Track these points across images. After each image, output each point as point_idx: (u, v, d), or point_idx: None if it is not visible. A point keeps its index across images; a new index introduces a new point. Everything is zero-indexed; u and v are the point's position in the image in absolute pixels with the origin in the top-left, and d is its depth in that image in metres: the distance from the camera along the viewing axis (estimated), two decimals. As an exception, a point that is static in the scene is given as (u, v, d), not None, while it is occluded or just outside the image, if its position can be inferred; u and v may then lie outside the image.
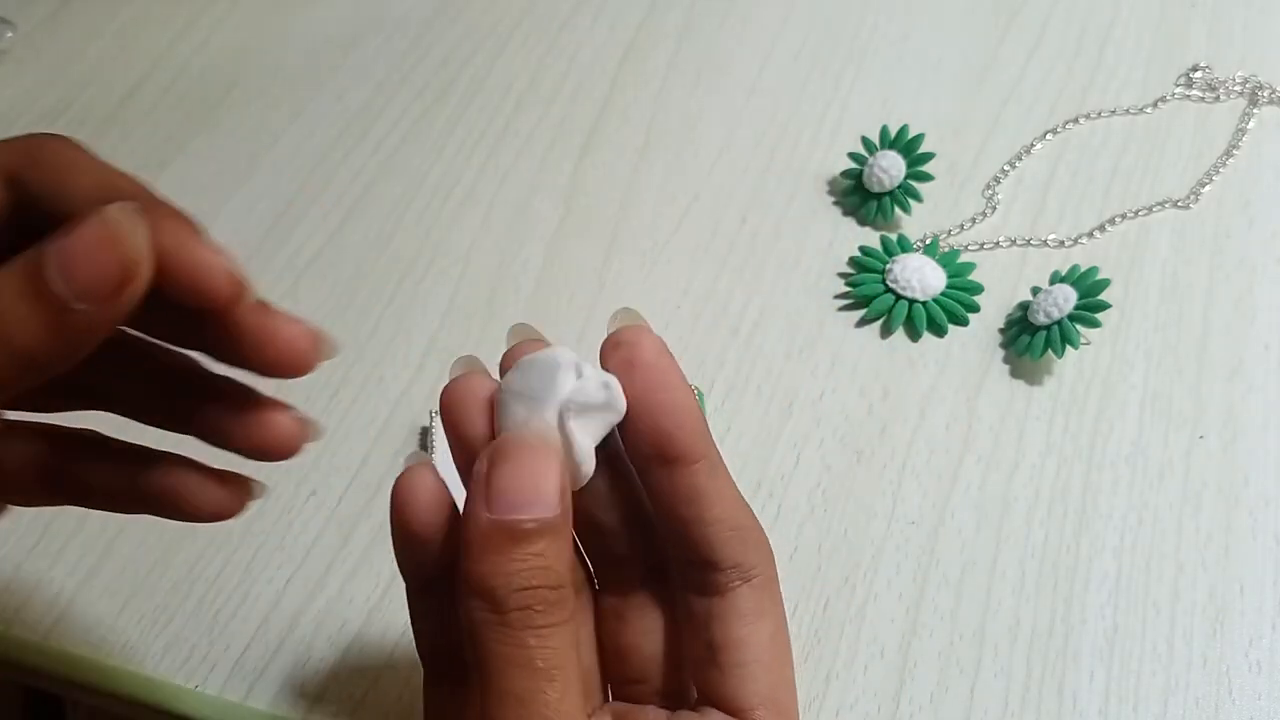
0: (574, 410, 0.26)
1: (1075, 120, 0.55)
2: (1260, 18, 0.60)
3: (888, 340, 0.47)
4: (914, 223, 0.51)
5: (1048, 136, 0.55)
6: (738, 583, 0.28)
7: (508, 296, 0.49)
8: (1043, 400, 0.45)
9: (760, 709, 0.28)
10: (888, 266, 0.49)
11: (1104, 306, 0.45)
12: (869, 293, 0.48)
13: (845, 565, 0.41)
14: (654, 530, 0.29)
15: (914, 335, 0.47)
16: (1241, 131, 0.54)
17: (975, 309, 0.48)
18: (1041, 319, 0.45)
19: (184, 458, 0.30)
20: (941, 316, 0.47)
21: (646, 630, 0.30)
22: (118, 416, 0.30)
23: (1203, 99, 0.56)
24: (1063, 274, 0.46)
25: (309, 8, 0.63)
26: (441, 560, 0.27)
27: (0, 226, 0.27)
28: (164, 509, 0.30)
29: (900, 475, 0.43)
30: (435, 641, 0.29)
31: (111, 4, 0.63)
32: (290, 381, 0.48)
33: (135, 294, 0.24)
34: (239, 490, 0.30)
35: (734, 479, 0.28)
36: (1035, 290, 0.47)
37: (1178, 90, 0.57)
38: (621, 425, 0.27)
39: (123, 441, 0.30)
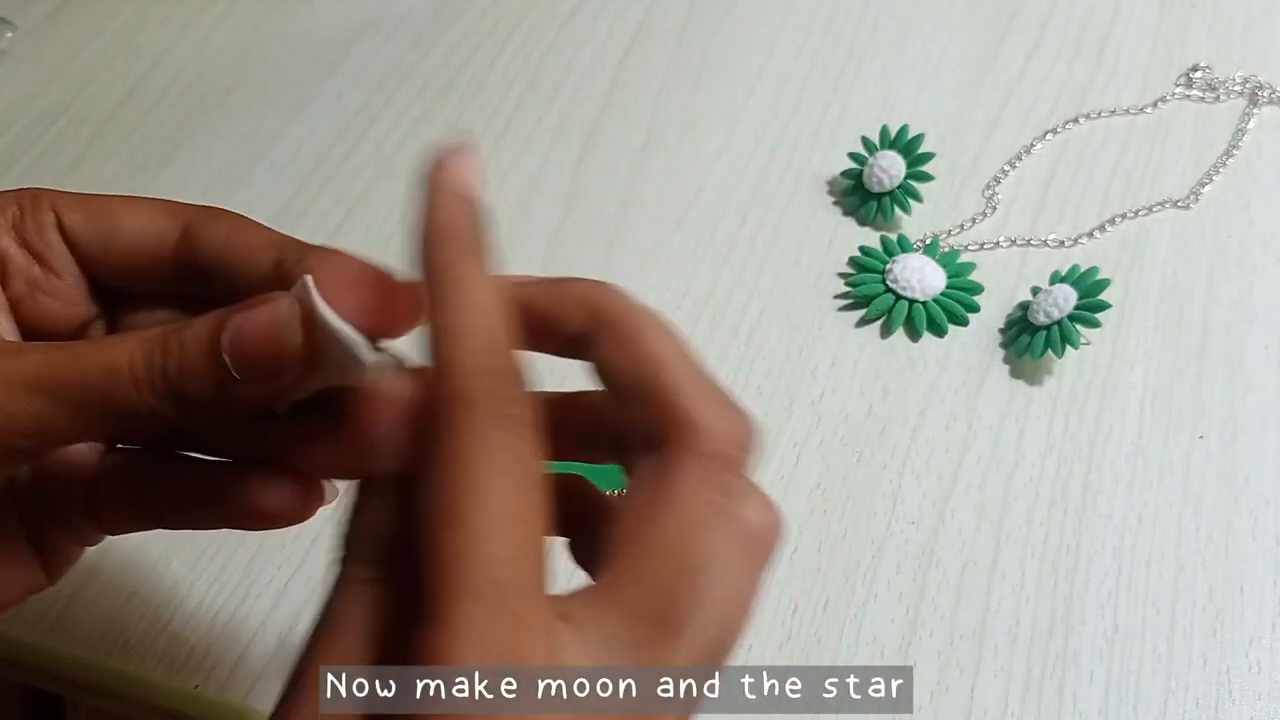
0: None
1: (1075, 120, 0.55)
2: (1260, 18, 0.60)
3: (888, 340, 0.47)
4: (914, 223, 0.51)
5: (1048, 136, 0.55)
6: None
7: (508, 296, 0.49)
8: (1043, 400, 0.45)
9: None
10: (888, 266, 0.49)
11: (1104, 306, 0.45)
12: (869, 293, 0.48)
13: (845, 565, 0.41)
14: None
15: (914, 335, 0.47)
16: (1241, 131, 0.54)
17: (975, 309, 0.48)
18: (1041, 319, 0.45)
19: (251, 465, 0.30)
20: (941, 316, 0.47)
21: None
22: None
23: (1203, 99, 0.56)
24: (1063, 274, 0.46)
25: (309, 8, 0.63)
26: None
27: (169, 269, 0.31)
28: (235, 518, 0.31)
29: (900, 475, 0.43)
30: None
31: (111, 4, 0.63)
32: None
33: (286, 383, 0.26)
34: (309, 495, 0.30)
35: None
36: (1035, 290, 0.47)
37: (1178, 90, 0.57)
38: None
39: (193, 455, 0.31)
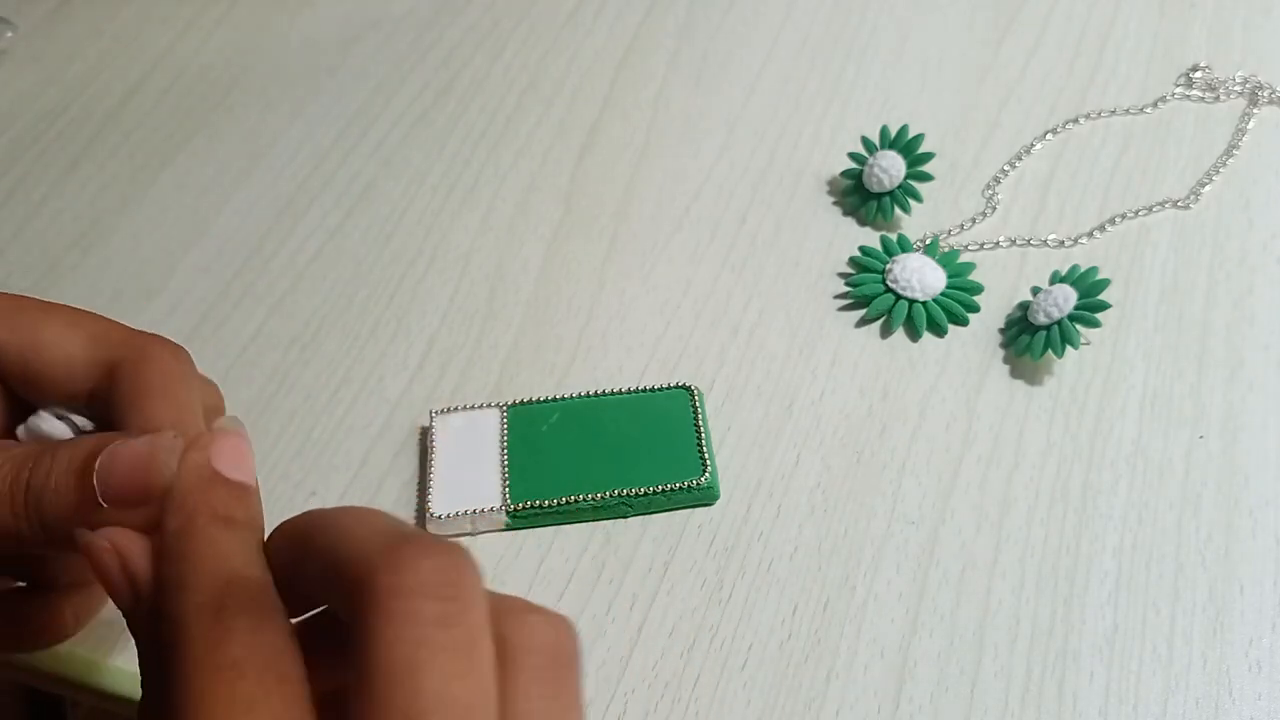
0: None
1: (1075, 120, 0.55)
2: (1260, 18, 0.60)
3: (888, 340, 0.47)
4: (914, 223, 0.51)
5: (1048, 136, 0.55)
6: None
7: (508, 296, 0.49)
8: (1043, 400, 0.45)
9: None
10: (888, 266, 0.49)
11: (1104, 306, 0.45)
12: (869, 293, 0.48)
13: (845, 565, 0.41)
14: None
15: (914, 335, 0.47)
16: (1241, 131, 0.54)
17: (975, 309, 0.48)
18: (1041, 319, 0.45)
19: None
20: (941, 316, 0.47)
21: None
22: None
23: (1203, 99, 0.56)
24: (1063, 274, 0.46)
25: (309, 8, 0.63)
26: None
27: None
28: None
29: (900, 475, 0.43)
30: None
31: (111, 4, 0.63)
32: (289, 381, 0.48)
33: (153, 515, 0.27)
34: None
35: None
36: (1035, 290, 0.47)
37: (1178, 90, 0.57)
38: None
39: None
